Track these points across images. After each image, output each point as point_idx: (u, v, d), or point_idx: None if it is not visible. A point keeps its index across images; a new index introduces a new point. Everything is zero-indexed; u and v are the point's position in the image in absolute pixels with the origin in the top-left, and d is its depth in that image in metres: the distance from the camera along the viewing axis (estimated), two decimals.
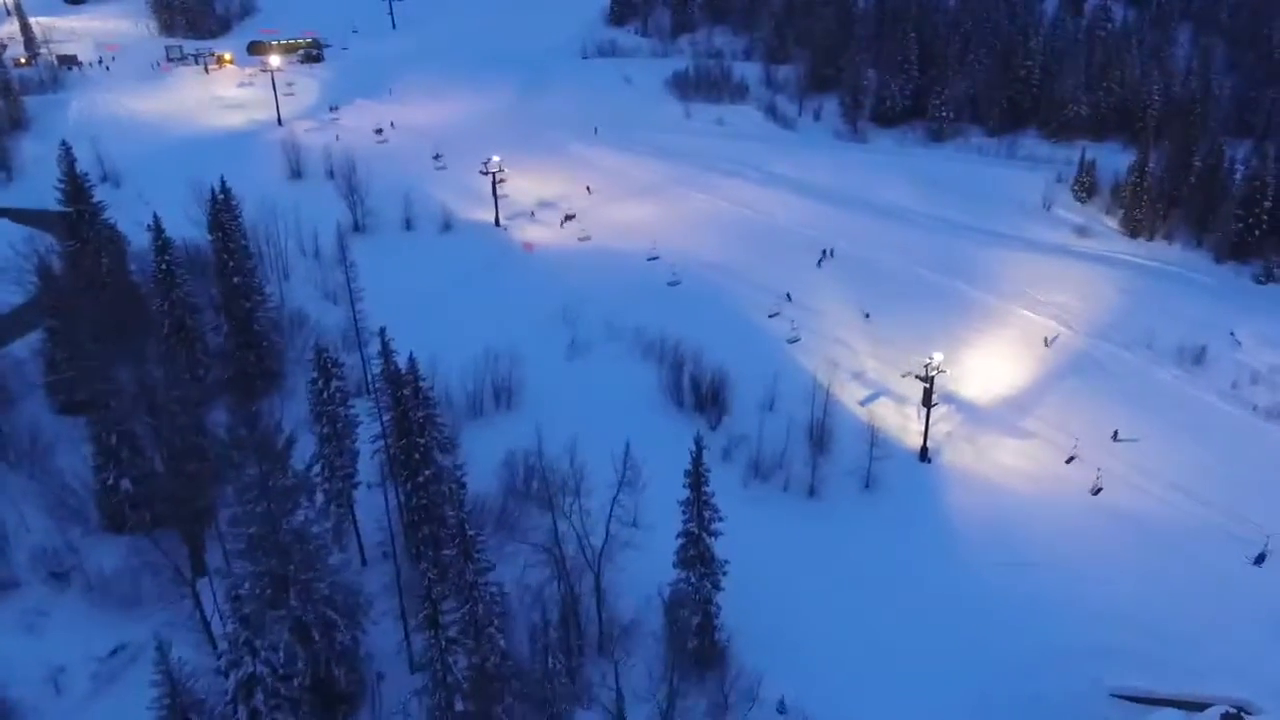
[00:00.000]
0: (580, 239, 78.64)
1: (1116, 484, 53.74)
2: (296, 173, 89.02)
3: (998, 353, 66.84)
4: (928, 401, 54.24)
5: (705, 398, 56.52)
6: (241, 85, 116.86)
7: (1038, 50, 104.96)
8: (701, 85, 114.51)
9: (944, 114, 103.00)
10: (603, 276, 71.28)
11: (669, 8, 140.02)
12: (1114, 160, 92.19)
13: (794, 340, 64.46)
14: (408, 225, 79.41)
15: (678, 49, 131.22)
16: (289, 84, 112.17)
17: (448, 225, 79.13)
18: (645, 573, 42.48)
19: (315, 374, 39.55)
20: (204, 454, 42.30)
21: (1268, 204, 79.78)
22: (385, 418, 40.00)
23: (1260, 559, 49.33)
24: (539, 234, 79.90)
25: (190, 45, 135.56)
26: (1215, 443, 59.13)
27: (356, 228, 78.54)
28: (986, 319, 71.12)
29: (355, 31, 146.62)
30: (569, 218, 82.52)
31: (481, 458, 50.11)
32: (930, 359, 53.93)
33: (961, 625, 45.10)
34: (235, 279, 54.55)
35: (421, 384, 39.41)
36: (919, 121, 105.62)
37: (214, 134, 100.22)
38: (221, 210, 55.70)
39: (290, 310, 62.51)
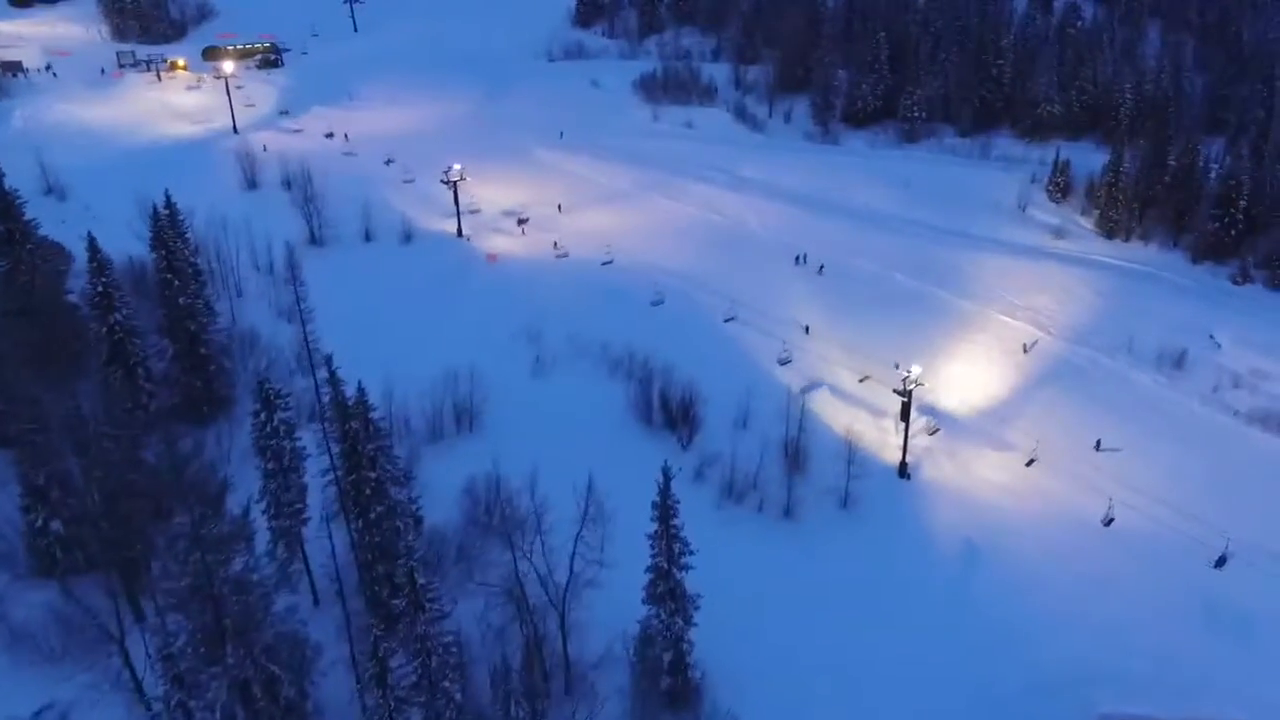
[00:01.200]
0: (558, 255, 74.97)
1: (1101, 498, 52.14)
2: (251, 183, 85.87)
3: (976, 361, 65.21)
4: (906, 416, 52.38)
5: (676, 416, 54.32)
6: (194, 91, 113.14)
7: (1009, 49, 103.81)
8: (669, 87, 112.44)
9: (916, 114, 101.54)
10: (568, 288, 68.94)
11: (636, 8, 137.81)
12: (1088, 159, 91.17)
13: (785, 362, 61.39)
14: (367, 237, 76.51)
15: (645, 50, 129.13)
16: (239, 87, 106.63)
17: (408, 237, 76.29)
18: (614, 608, 40.18)
19: (258, 406, 36.93)
20: (141, 492, 39.50)
21: (1243, 203, 78.95)
22: (334, 450, 37.47)
23: (1221, 562, 48.31)
24: (503, 244, 77.35)
25: (144, 51, 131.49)
26: (1198, 450, 57.84)
27: (313, 240, 75.64)
28: (963, 325, 69.56)
29: (315, 35, 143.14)
30: (522, 221, 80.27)
31: (442, 485, 47.76)
32: (908, 372, 52.04)
33: (945, 649, 43.30)
34: (180, 299, 51.67)
35: (372, 414, 36.91)
36: (891, 122, 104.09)
37: (166, 143, 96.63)
38: (165, 226, 52.81)
39: (242, 330, 59.59)
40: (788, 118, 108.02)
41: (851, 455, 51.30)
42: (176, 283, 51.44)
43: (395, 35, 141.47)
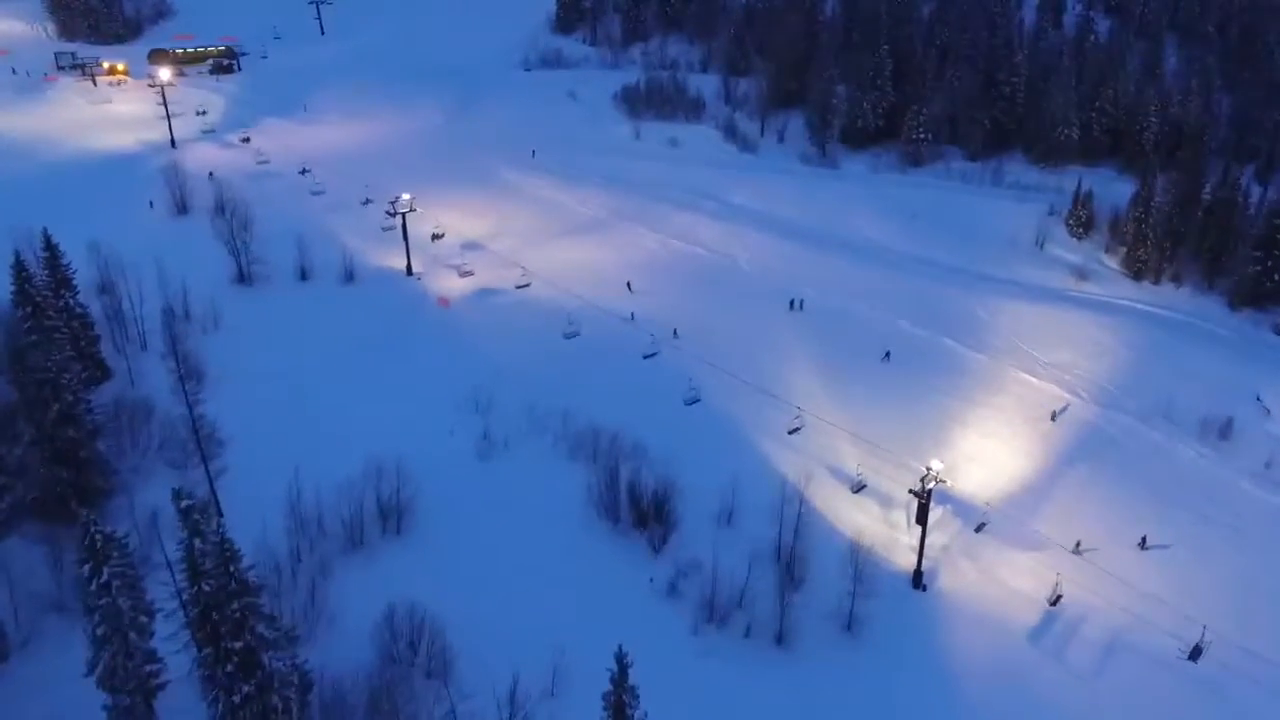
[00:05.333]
0: (568, 335, 61.66)
1: (1151, 615, 43.64)
2: (181, 207, 76.36)
3: (997, 432, 56.74)
4: (923, 519, 43.66)
5: (647, 511, 45.34)
6: (125, 99, 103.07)
7: (1022, 66, 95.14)
8: (654, 100, 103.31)
9: (921, 136, 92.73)
10: (527, 342, 59.89)
11: (620, 14, 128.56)
12: (1109, 189, 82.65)
13: (860, 489, 50.52)
14: (303, 275, 67.10)
15: (629, 59, 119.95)
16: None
17: (350, 275, 66.90)
18: None
19: (83, 554, 27.89)
20: None
21: None
22: (191, 612, 28.47)
23: (1195, 653, 41.49)
24: (458, 284, 68.03)
25: (88, 52, 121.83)
26: (1255, 544, 49.99)
27: (241, 278, 66.31)
28: (981, 386, 61.12)
29: (277, 38, 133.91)
30: (437, 237, 72.31)
31: (357, 608, 38.87)
32: (928, 468, 43.32)
33: None
34: (48, 369, 42.37)
35: (235, 567, 27.86)
36: (893, 144, 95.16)
37: (95, 158, 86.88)
38: (29, 278, 43.66)
39: (136, 399, 50.11)
40: (781, 136, 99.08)
41: (858, 567, 42.41)
42: (40, 347, 42.12)
43: (363, 39, 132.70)
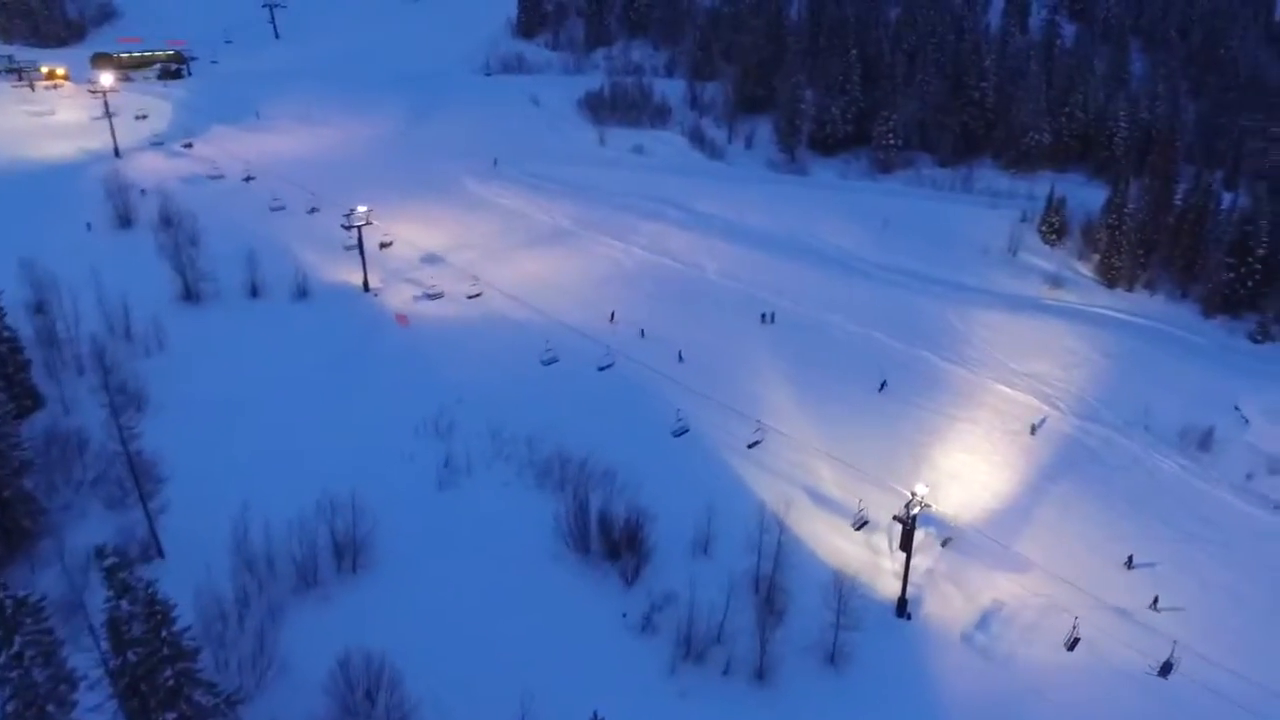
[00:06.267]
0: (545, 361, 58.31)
1: (1121, 642, 42.14)
2: (124, 220, 72.73)
3: (977, 447, 55.19)
4: (907, 545, 41.78)
5: (619, 542, 43.00)
6: (67, 104, 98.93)
7: (991, 70, 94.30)
8: (618, 106, 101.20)
9: (891, 141, 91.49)
10: (490, 359, 57.35)
11: (583, 19, 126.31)
12: (1079, 195, 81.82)
13: (861, 525, 47.69)
14: (254, 292, 63.87)
15: (592, 64, 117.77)
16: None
17: (304, 292, 63.78)
18: None
19: None
20: None
21: (1261, 251, 69.87)
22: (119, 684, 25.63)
23: (1166, 669, 40.31)
24: (418, 301, 65.20)
25: (27, 55, 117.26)
26: (1239, 560, 48.73)
27: (187, 295, 62.92)
28: (959, 400, 59.57)
29: (229, 42, 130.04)
30: (385, 245, 69.91)
31: (309, 653, 36.13)
32: (912, 493, 41.48)
33: None
34: None
35: (169, 631, 25.13)
36: (863, 149, 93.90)
37: (32, 168, 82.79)
38: None
39: (69, 429, 46.75)
40: (749, 142, 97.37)
41: (842, 597, 40.33)
42: None
43: (319, 44, 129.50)
